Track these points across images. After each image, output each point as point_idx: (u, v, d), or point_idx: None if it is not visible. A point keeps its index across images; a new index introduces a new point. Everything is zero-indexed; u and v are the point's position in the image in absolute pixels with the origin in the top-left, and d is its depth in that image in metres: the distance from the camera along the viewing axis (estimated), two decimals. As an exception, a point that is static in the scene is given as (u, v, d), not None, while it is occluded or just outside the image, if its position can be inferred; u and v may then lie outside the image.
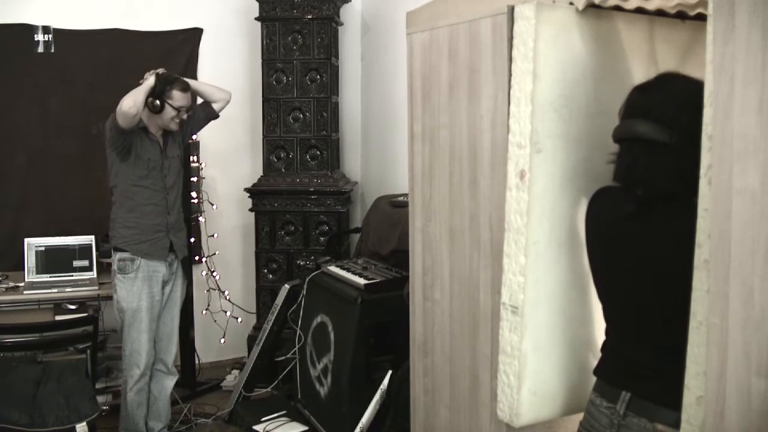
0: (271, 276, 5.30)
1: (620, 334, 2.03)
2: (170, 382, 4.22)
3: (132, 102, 3.68)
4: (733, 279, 1.52)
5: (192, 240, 4.98)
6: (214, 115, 4.32)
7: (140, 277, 3.93)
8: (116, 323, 4.07)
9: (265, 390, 4.66)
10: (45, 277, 4.65)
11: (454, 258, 2.63)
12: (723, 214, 1.53)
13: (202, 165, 5.16)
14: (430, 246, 2.77)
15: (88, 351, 3.86)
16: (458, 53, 2.51)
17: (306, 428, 4.07)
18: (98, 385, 4.16)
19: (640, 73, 2.28)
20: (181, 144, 4.24)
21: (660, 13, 2.17)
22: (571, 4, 2.14)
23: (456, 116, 2.54)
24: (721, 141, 1.53)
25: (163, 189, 4.03)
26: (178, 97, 3.95)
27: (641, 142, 1.85)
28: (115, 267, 3.95)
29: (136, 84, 3.91)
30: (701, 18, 1.83)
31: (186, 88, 4.01)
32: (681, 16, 2.21)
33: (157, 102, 3.88)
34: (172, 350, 4.21)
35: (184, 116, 4.04)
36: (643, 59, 2.29)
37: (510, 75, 2.19)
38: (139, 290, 3.93)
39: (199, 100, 4.38)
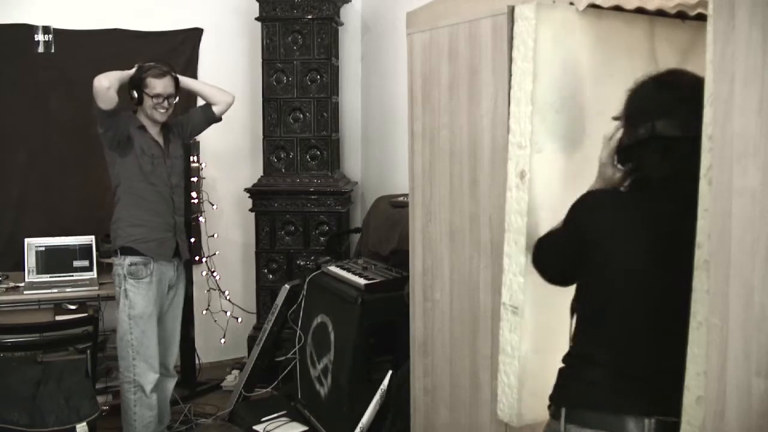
0: (271, 276, 5.30)
1: (634, 350, 1.89)
2: (171, 384, 4.19)
3: (105, 79, 3.61)
4: (734, 279, 1.52)
5: (192, 240, 4.97)
6: (215, 119, 4.19)
7: (154, 280, 3.85)
8: (115, 325, 3.95)
9: (265, 390, 4.66)
10: (45, 277, 4.64)
11: (454, 258, 2.64)
12: (723, 214, 1.53)
13: (202, 165, 5.16)
14: (431, 246, 2.78)
15: (88, 351, 3.85)
16: (458, 53, 2.51)
17: (306, 428, 4.06)
18: (98, 385, 4.15)
19: (641, 72, 2.28)
20: (182, 145, 4.16)
21: (660, 13, 2.17)
22: (571, 4, 2.15)
23: (456, 116, 2.54)
24: (721, 141, 1.53)
25: (169, 188, 3.95)
26: (152, 84, 3.82)
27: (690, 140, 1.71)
28: (124, 271, 3.81)
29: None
30: (701, 18, 1.83)
31: (162, 74, 3.88)
32: (681, 16, 2.21)
33: (134, 92, 3.80)
34: (174, 353, 4.17)
35: (165, 104, 3.87)
36: (644, 59, 2.29)
37: (510, 75, 2.20)
38: (154, 294, 3.85)
39: (200, 102, 4.34)
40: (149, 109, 3.85)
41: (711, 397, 1.58)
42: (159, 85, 3.84)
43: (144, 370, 3.86)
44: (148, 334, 3.85)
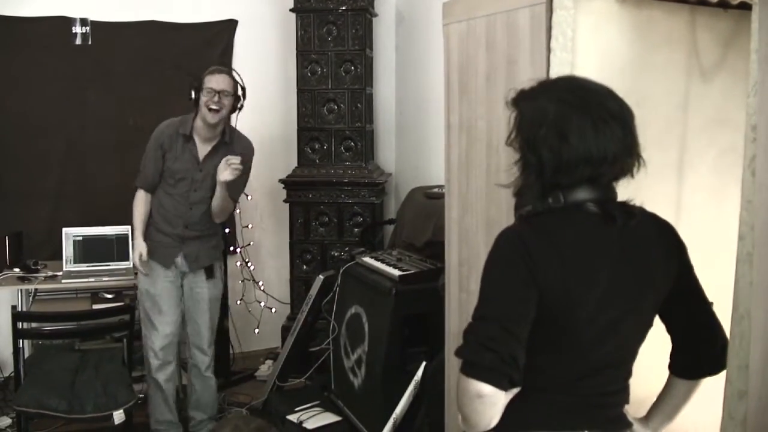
0: (305, 267, 5.31)
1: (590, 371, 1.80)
2: None
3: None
4: (778, 271, 1.50)
5: (227, 231, 5.00)
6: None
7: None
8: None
9: (298, 380, 4.68)
10: (83, 267, 4.70)
11: (490, 249, 2.62)
12: (767, 205, 1.51)
13: (237, 156, 5.19)
14: (467, 237, 2.76)
15: (125, 340, 3.90)
16: (495, 44, 2.49)
17: (339, 418, 4.08)
18: (134, 374, 4.20)
19: (681, 63, 2.25)
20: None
21: (701, 2, 2.14)
22: (611, -7, 2.12)
23: (493, 107, 2.52)
24: (766, 132, 1.51)
25: (188, 203, 3.91)
26: (206, 80, 3.76)
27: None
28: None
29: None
30: (744, 7, 1.80)
31: (217, 71, 3.83)
32: (723, 5, 2.18)
33: (193, 93, 3.75)
34: None
35: (216, 98, 3.74)
36: (684, 49, 2.26)
37: (548, 66, 2.17)
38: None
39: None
40: (203, 109, 3.77)
41: (753, 391, 1.56)
42: (212, 80, 3.77)
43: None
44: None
